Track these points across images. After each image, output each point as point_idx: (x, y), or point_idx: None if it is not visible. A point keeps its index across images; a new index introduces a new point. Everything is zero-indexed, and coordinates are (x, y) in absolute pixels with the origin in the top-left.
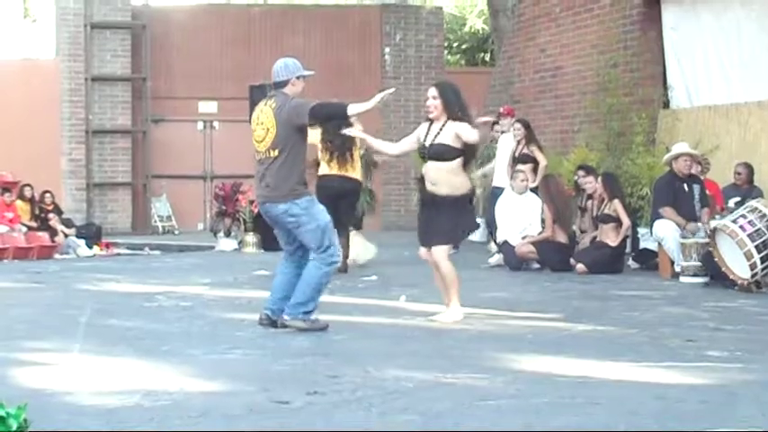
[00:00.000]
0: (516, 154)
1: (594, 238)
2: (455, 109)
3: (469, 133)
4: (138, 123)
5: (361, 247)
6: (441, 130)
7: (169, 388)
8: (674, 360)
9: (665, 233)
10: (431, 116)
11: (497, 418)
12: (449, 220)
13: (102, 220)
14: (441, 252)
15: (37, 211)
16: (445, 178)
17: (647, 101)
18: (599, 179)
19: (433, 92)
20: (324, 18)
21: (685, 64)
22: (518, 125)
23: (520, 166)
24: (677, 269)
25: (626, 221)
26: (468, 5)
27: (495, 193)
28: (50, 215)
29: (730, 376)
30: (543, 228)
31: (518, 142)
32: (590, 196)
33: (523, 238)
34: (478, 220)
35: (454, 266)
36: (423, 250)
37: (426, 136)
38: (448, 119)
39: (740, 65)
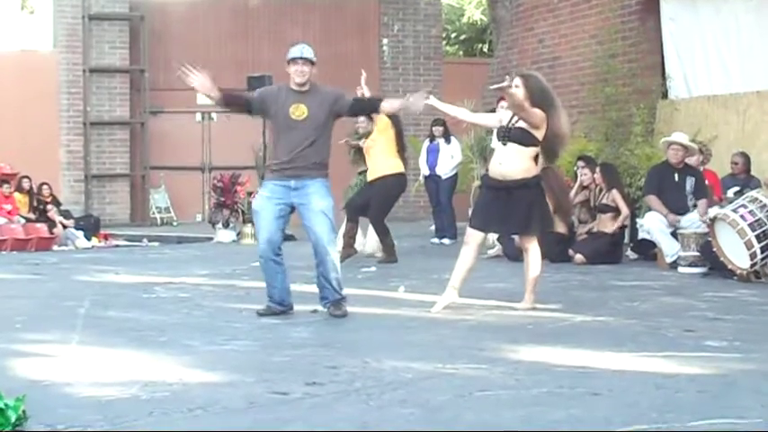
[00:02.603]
0: None
1: (592, 228)
2: (538, 98)
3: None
4: (136, 115)
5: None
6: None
7: (168, 379)
8: (673, 350)
9: (650, 225)
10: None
11: (497, 408)
12: (535, 205)
13: (101, 212)
14: (535, 241)
15: (35, 203)
16: (521, 165)
17: (646, 91)
18: (597, 169)
19: (516, 81)
20: (322, 9)
21: (684, 54)
22: None
23: None
24: (667, 260)
25: (624, 210)
26: None
27: None
28: (49, 206)
29: (729, 366)
30: None
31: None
32: (585, 187)
33: None
34: None
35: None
36: (474, 234)
37: (510, 120)
38: (532, 107)
39: (739, 55)
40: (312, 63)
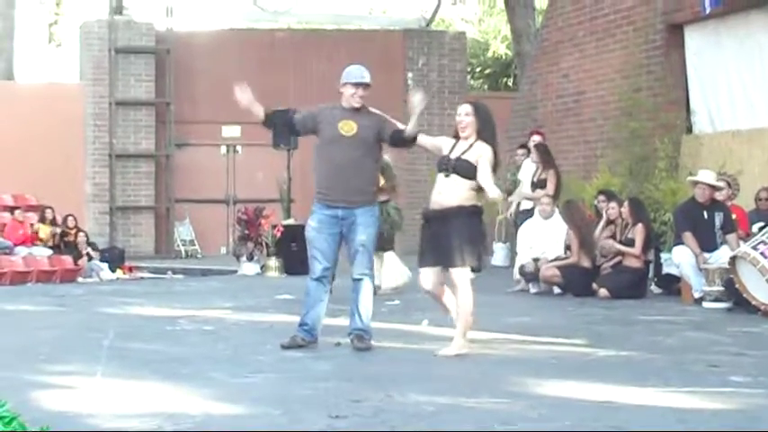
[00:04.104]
0: (534, 179)
1: (619, 262)
2: (487, 131)
3: (486, 178)
4: (161, 147)
5: (396, 270)
6: (470, 147)
7: (191, 411)
8: (697, 385)
9: (680, 259)
10: (463, 134)
11: None
12: (464, 236)
13: (125, 244)
14: (463, 275)
15: (59, 233)
16: (460, 194)
17: (670, 126)
18: (626, 204)
19: (467, 109)
20: (347, 43)
21: (708, 89)
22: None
23: (538, 191)
24: (695, 295)
25: (636, 250)
26: (492, 30)
27: (523, 217)
28: (80, 234)
29: (753, 401)
30: (566, 252)
31: (536, 166)
32: (611, 221)
33: (535, 260)
34: (501, 245)
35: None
36: (426, 274)
37: (452, 150)
38: (477, 139)
39: (763, 89)
40: (368, 86)
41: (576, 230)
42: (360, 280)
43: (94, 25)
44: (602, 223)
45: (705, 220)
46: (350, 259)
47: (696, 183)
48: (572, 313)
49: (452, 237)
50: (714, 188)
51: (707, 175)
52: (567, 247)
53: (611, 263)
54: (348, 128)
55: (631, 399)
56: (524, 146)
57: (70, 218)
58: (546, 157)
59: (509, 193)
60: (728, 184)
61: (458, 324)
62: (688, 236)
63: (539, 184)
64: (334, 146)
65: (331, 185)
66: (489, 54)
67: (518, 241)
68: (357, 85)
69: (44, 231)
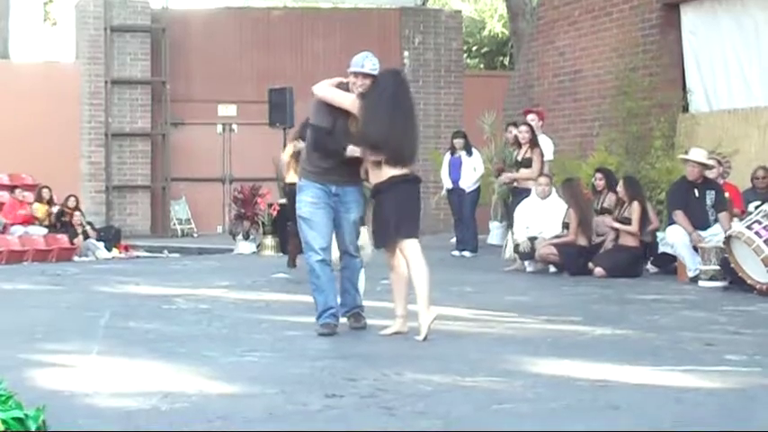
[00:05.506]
0: (519, 158)
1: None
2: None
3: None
4: (157, 126)
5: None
6: None
7: (187, 390)
8: (692, 364)
9: (674, 239)
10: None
11: (516, 422)
12: (387, 212)
13: (122, 223)
14: (410, 246)
15: (55, 211)
16: (371, 167)
17: (666, 105)
18: (621, 182)
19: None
20: (343, 21)
21: (704, 68)
22: (524, 128)
23: (522, 171)
24: (689, 274)
25: (633, 227)
26: (488, 9)
27: (520, 194)
28: (76, 213)
29: (749, 380)
30: (563, 231)
31: (520, 145)
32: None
33: (531, 239)
34: (497, 223)
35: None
36: (386, 255)
37: None
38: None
39: (759, 68)
40: (373, 77)
41: (576, 209)
42: (354, 257)
43: (90, 4)
44: (603, 197)
45: (696, 199)
46: (339, 236)
47: (686, 161)
48: (568, 292)
49: (383, 216)
50: (704, 166)
51: (696, 153)
52: (566, 226)
53: (606, 239)
54: (355, 126)
55: (627, 378)
56: (515, 123)
57: (71, 198)
58: (534, 138)
59: (499, 170)
60: (719, 163)
61: (418, 297)
62: (679, 214)
63: (523, 164)
64: (340, 137)
65: (329, 167)
66: (485, 33)
67: (514, 220)
68: (356, 74)
69: (40, 211)
